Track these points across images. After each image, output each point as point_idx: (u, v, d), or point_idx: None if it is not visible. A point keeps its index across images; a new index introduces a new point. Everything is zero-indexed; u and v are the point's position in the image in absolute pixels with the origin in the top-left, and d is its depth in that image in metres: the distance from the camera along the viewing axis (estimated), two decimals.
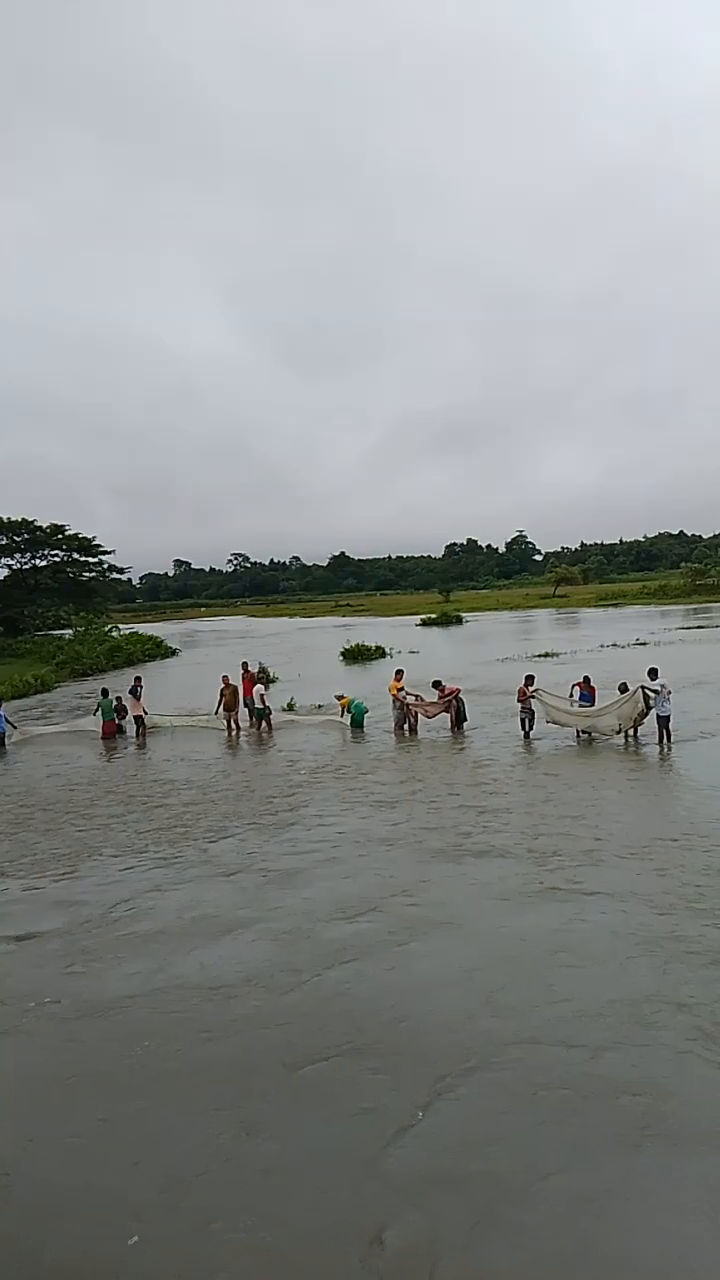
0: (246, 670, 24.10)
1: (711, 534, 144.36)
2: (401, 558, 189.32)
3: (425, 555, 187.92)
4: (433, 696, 20.72)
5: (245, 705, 22.58)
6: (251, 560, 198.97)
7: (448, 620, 67.76)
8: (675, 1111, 5.91)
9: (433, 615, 70.39)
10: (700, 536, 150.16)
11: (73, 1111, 6.37)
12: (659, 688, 17.28)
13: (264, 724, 21.96)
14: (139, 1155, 5.81)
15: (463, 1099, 6.19)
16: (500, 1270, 4.74)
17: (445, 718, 20.48)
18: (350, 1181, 5.40)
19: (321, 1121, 6.01)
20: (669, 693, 17.39)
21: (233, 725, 22.16)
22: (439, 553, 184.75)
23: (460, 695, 20.66)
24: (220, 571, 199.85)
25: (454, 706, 20.40)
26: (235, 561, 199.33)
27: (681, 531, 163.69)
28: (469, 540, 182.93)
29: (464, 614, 73.09)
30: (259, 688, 22.76)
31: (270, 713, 22.29)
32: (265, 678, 26.98)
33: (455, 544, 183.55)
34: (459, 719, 20.34)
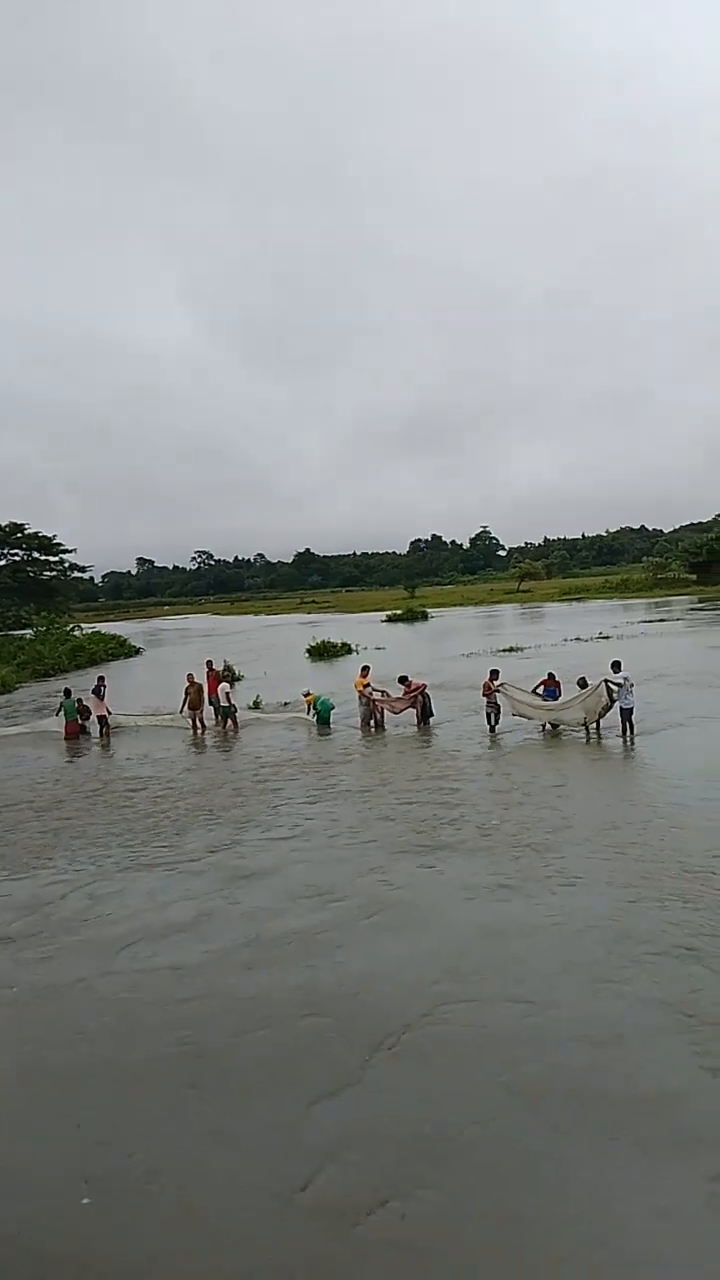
0: (211, 668, 23.96)
1: (672, 528, 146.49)
2: (367, 554, 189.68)
3: (391, 552, 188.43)
4: (399, 692, 20.75)
5: (210, 703, 22.44)
6: (216, 558, 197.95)
7: (413, 616, 67.92)
8: (621, 1067, 6.11)
9: (398, 611, 70.51)
10: (661, 531, 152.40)
11: (26, 1087, 6.52)
12: (622, 680, 17.46)
13: (229, 722, 21.85)
14: (92, 1122, 5.95)
15: (409, 1055, 6.40)
16: (427, 1226, 4.83)
17: (411, 713, 20.51)
18: (287, 1139, 5.58)
19: (268, 1082, 6.20)
20: (631, 685, 17.58)
21: (198, 724, 22.02)
22: (404, 549, 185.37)
23: (426, 690, 20.70)
24: (184, 570, 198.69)
25: (420, 702, 20.44)
26: (199, 559, 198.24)
27: (643, 526, 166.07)
28: (434, 536, 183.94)
29: (429, 610, 73.37)
30: (224, 686, 22.64)
31: (236, 710, 22.18)
32: (230, 676, 26.85)
33: (420, 540, 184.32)
34: (425, 714, 20.40)
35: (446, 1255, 4.62)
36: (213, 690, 22.61)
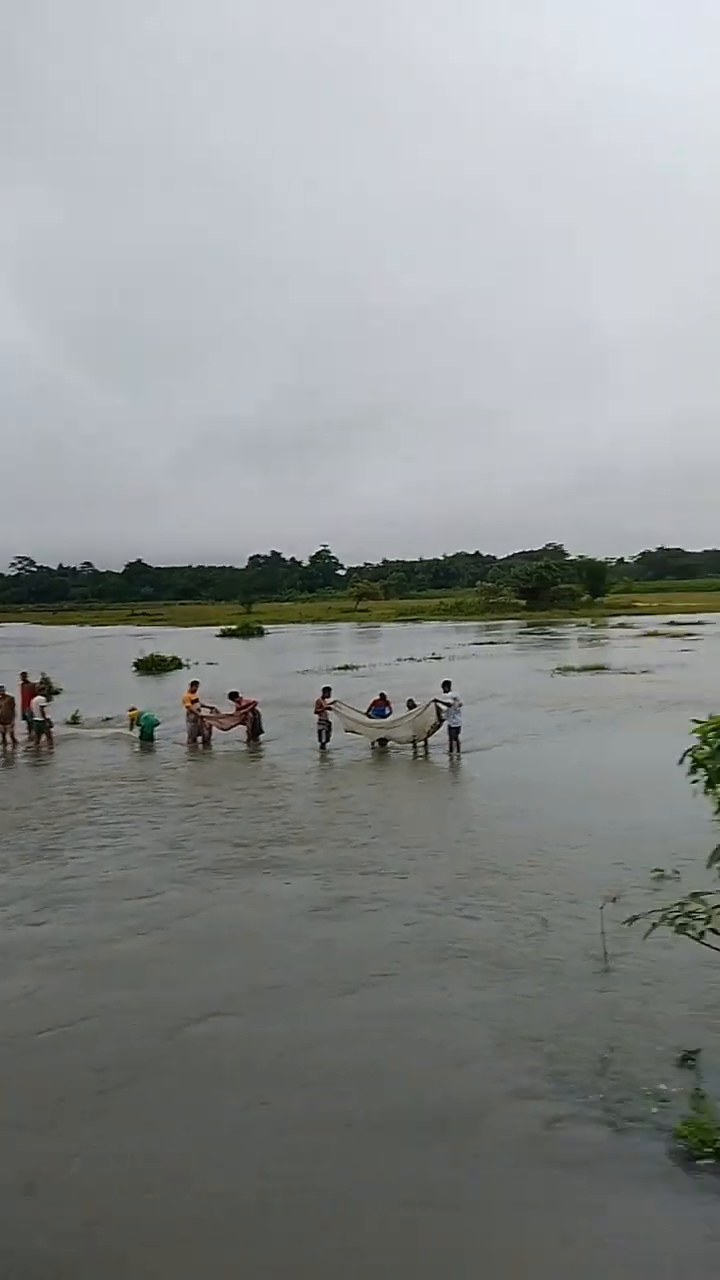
0: (25, 681, 22.30)
1: (505, 555, 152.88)
2: (203, 567, 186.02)
3: (228, 566, 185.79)
4: (229, 709, 20.06)
5: (24, 718, 20.85)
6: (38, 564, 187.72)
7: (249, 631, 67.01)
8: (422, 1050, 6.37)
9: (233, 626, 69.41)
10: (494, 557, 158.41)
11: None
12: (451, 700, 17.64)
13: (44, 737, 20.34)
14: None
15: (190, 1051, 6.48)
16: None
17: (241, 730, 19.86)
18: (25, 1149, 5.44)
19: (23, 1090, 6.05)
20: (460, 705, 17.76)
21: (8, 739, 20.40)
22: (243, 564, 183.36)
23: (257, 707, 20.12)
24: (1, 575, 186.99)
25: (250, 719, 19.83)
26: (19, 565, 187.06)
27: (478, 552, 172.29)
28: (273, 552, 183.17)
29: (266, 626, 72.69)
30: (39, 699, 21.05)
31: (51, 725, 20.69)
32: (46, 689, 25.13)
33: (259, 556, 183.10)
34: (255, 731, 19.79)
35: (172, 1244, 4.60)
36: (26, 704, 21.02)
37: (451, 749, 17.52)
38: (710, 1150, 4.95)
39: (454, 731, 17.56)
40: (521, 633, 58.53)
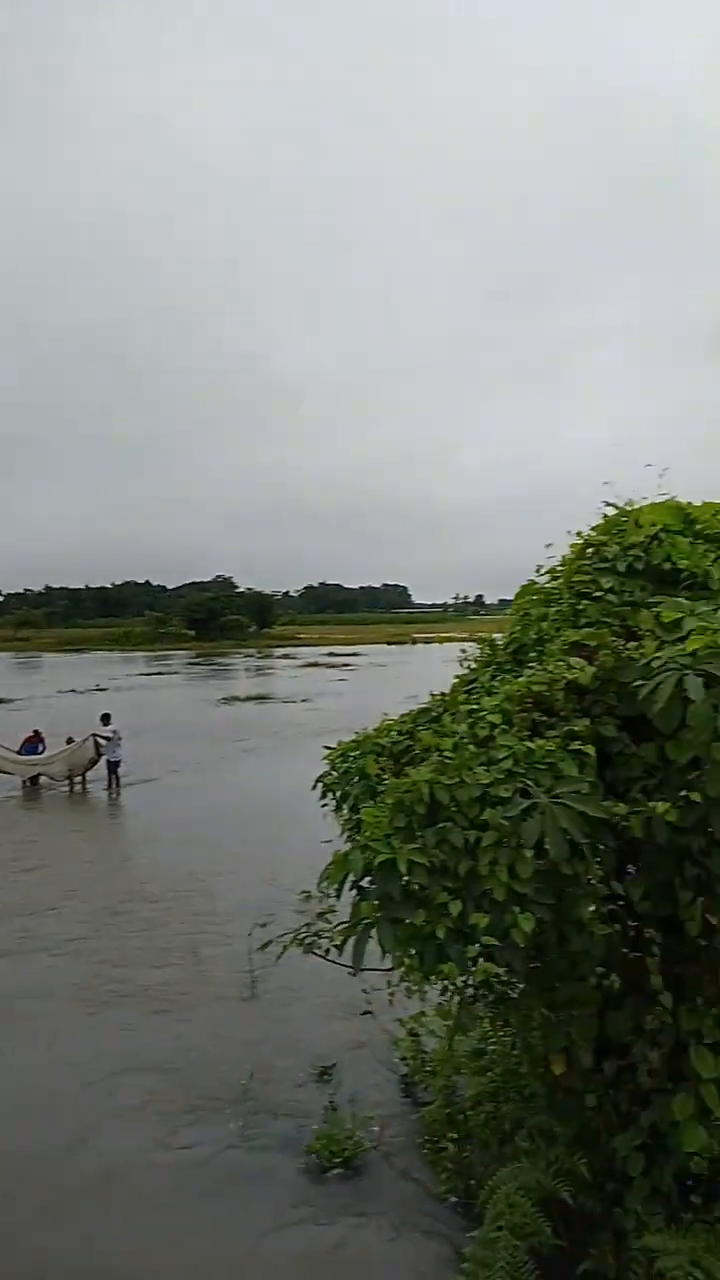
0: None
1: (175, 585, 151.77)
2: None
3: None
4: None
5: None
6: None
7: None
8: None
9: None
10: (165, 587, 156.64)
11: None
12: (110, 734, 17.11)
13: None
14: None
15: None
16: None
17: None
18: None
19: None
20: (120, 739, 17.26)
21: None
22: None
23: None
24: None
25: None
26: None
27: (148, 581, 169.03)
28: None
29: None
30: None
31: None
32: None
33: None
34: None
35: None
36: None
37: (111, 784, 16.96)
38: (340, 1161, 5.17)
39: (113, 766, 17.03)
40: (190, 663, 58.50)
